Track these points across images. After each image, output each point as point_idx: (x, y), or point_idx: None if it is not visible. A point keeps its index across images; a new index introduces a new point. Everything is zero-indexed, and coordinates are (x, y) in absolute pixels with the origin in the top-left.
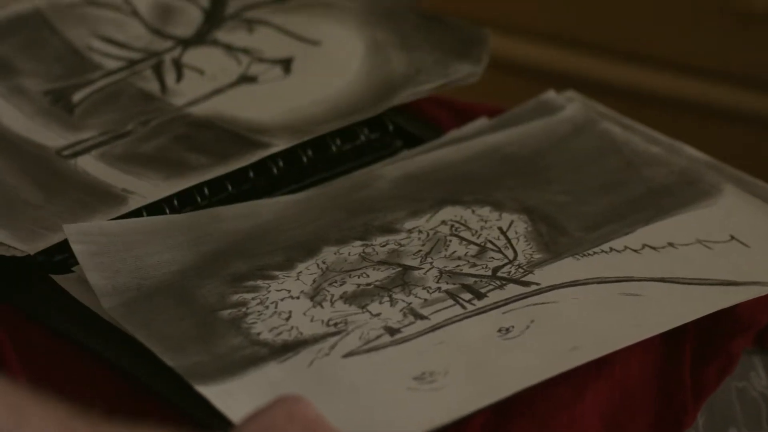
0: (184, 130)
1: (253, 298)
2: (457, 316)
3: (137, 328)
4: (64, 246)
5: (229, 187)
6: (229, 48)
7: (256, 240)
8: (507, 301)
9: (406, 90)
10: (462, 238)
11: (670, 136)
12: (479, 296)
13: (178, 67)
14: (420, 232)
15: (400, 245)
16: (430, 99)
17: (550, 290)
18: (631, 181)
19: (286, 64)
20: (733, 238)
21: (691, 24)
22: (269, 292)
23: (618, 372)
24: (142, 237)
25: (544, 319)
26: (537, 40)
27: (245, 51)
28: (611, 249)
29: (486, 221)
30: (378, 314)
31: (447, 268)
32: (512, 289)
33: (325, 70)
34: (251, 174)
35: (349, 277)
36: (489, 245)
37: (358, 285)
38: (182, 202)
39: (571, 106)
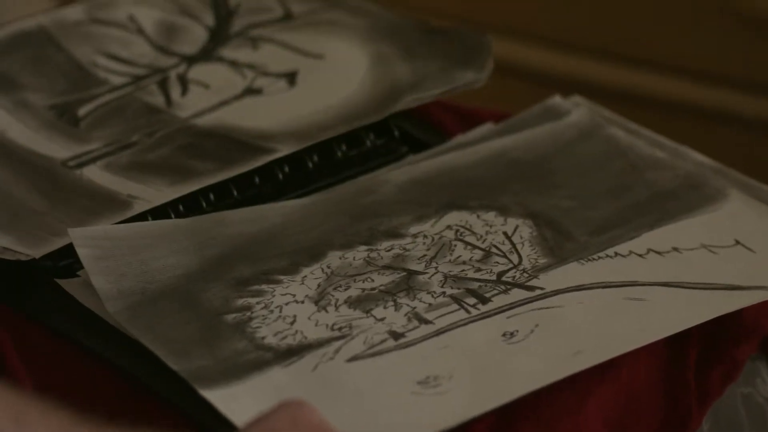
0: (189, 140)
1: (257, 303)
2: (461, 320)
3: (142, 332)
4: (69, 251)
5: (235, 193)
6: (234, 64)
7: (261, 244)
8: (511, 306)
9: (411, 95)
10: (467, 243)
11: (675, 140)
12: (484, 301)
13: (183, 82)
14: (425, 236)
15: (405, 250)
16: (436, 104)
17: (554, 295)
18: (636, 186)
19: (291, 77)
20: (738, 242)
21: (696, 28)
22: (274, 296)
23: (623, 377)
24: (147, 241)
25: (548, 324)
26: (543, 45)
27: (250, 66)
28: (616, 254)
29: (491, 226)
30: (382, 319)
31: (452, 273)
32: (517, 294)
33: (330, 81)
34: (257, 180)
35: (354, 281)
36: (494, 250)
37: (363, 290)
38: (188, 207)
39: (577, 110)
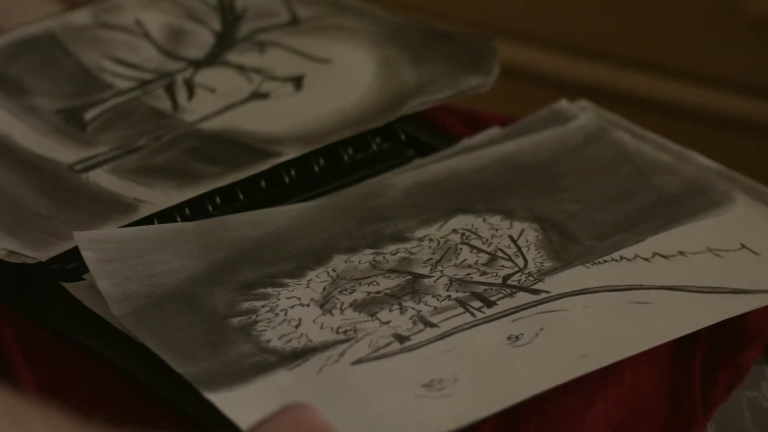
0: (196, 144)
1: (262, 306)
2: (466, 323)
3: (147, 335)
4: (76, 254)
5: (241, 197)
6: (240, 68)
7: (266, 248)
8: (517, 309)
9: (417, 99)
10: (472, 247)
11: (681, 144)
12: (489, 304)
13: (190, 86)
14: (431, 240)
15: (411, 253)
16: (442, 108)
17: (559, 298)
18: (642, 190)
19: (298, 81)
20: (743, 246)
21: (703, 32)
22: (279, 299)
23: (628, 380)
24: (152, 244)
25: (553, 327)
26: (550, 49)
27: (257, 70)
28: (621, 257)
29: (497, 230)
30: (387, 322)
31: (457, 276)
32: (522, 297)
33: (337, 85)
34: (263, 183)
35: (359, 285)
36: (499, 253)
37: (368, 293)
38: (194, 211)
39: (583, 115)
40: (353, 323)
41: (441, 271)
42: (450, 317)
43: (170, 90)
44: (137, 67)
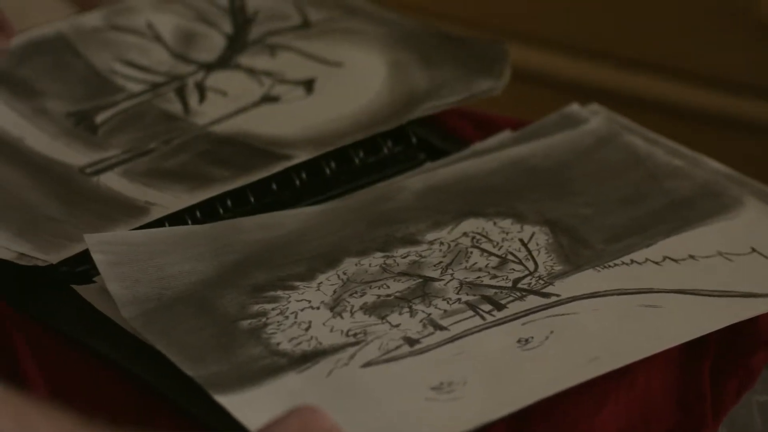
0: (207, 147)
1: (273, 309)
2: (476, 326)
3: (157, 338)
4: (86, 257)
5: (252, 200)
6: (251, 71)
7: (277, 251)
8: (527, 312)
9: (428, 103)
10: (483, 250)
11: (692, 148)
12: (499, 307)
13: (201, 89)
14: (441, 243)
15: (421, 257)
16: (454, 111)
17: (570, 302)
18: (653, 194)
19: (309, 85)
20: (754, 250)
21: (717, 37)
22: (289, 302)
23: (638, 384)
24: (163, 247)
25: (563, 330)
26: (561, 53)
27: (268, 74)
28: (632, 261)
29: (507, 233)
30: (398, 325)
31: (467, 280)
32: (532, 301)
33: (348, 88)
34: (274, 186)
35: (370, 288)
36: (510, 257)
37: (379, 296)
38: (205, 214)
39: (595, 118)
40: (363, 326)
41: (451, 275)
42: (460, 320)
43: (181, 93)
44: (148, 70)
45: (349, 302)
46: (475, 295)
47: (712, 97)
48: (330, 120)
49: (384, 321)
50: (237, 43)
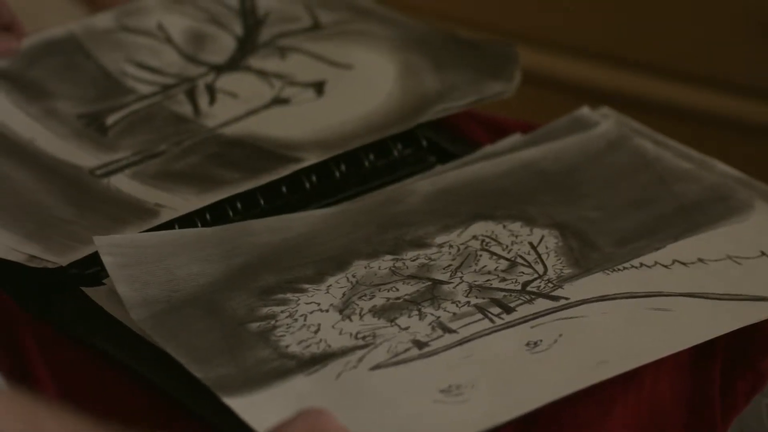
0: (217, 150)
1: (282, 311)
2: (485, 329)
3: (166, 340)
4: (96, 259)
5: (262, 202)
6: (262, 73)
7: (286, 253)
8: (536, 315)
9: (439, 106)
10: (492, 253)
11: (702, 151)
12: (508, 310)
13: (212, 91)
14: (451, 246)
15: (431, 260)
16: (464, 114)
17: (579, 305)
18: (663, 197)
19: (319, 87)
20: (763, 254)
21: (727, 40)
22: (298, 305)
23: (646, 387)
24: (172, 249)
25: (572, 333)
26: (572, 56)
27: (278, 76)
28: (641, 264)
29: (517, 236)
30: (406, 328)
31: (476, 283)
32: (541, 304)
33: (358, 91)
34: (284, 189)
35: (379, 290)
36: (519, 260)
37: (388, 299)
38: (214, 216)
39: (605, 122)
40: (372, 329)
41: (460, 278)
42: (469, 323)
43: (192, 95)
44: (159, 72)
45: (358, 305)
46: (484, 298)
47: (722, 100)
48: (340, 122)
49: (393, 324)
50: (247, 44)
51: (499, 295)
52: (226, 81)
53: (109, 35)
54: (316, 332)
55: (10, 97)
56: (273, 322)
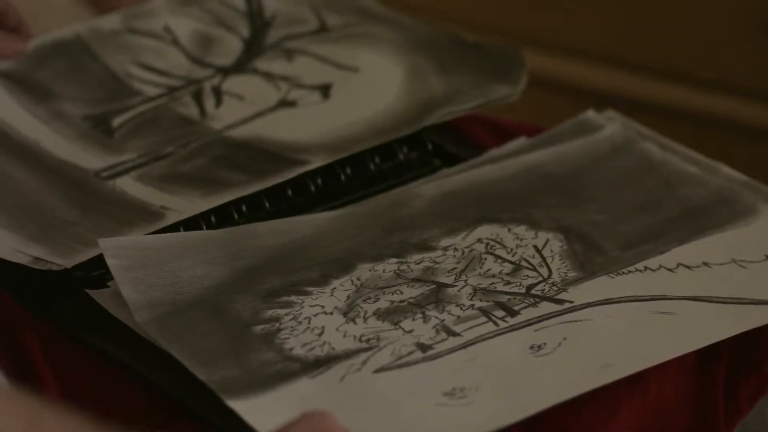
0: (223, 152)
1: (286, 314)
2: (489, 333)
3: (170, 342)
4: (101, 261)
5: (267, 205)
6: (268, 76)
7: (291, 256)
8: (540, 319)
9: (444, 109)
10: (497, 256)
11: (703, 153)
12: (512, 313)
13: (218, 93)
14: (455, 249)
15: (435, 263)
16: (469, 118)
17: (583, 308)
18: (668, 201)
19: (325, 90)
20: (767, 257)
21: (733, 44)
22: (303, 307)
23: (651, 390)
24: (177, 251)
25: (576, 337)
26: (577, 59)
27: (284, 78)
28: (646, 268)
29: (522, 240)
30: (410, 331)
31: (481, 286)
32: (545, 307)
33: (364, 94)
34: (289, 192)
35: (383, 293)
36: (524, 263)
37: (392, 302)
38: (220, 219)
39: (611, 125)
40: (376, 332)
41: (465, 281)
42: (473, 326)
43: (198, 97)
44: (165, 74)
45: (362, 308)
46: (488, 302)
47: (728, 104)
48: (346, 125)
49: (397, 327)
50: (254, 47)
51: (504, 298)
52: (233, 83)
53: (116, 37)
54: (320, 335)
55: (17, 99)
56: (277, 324)
